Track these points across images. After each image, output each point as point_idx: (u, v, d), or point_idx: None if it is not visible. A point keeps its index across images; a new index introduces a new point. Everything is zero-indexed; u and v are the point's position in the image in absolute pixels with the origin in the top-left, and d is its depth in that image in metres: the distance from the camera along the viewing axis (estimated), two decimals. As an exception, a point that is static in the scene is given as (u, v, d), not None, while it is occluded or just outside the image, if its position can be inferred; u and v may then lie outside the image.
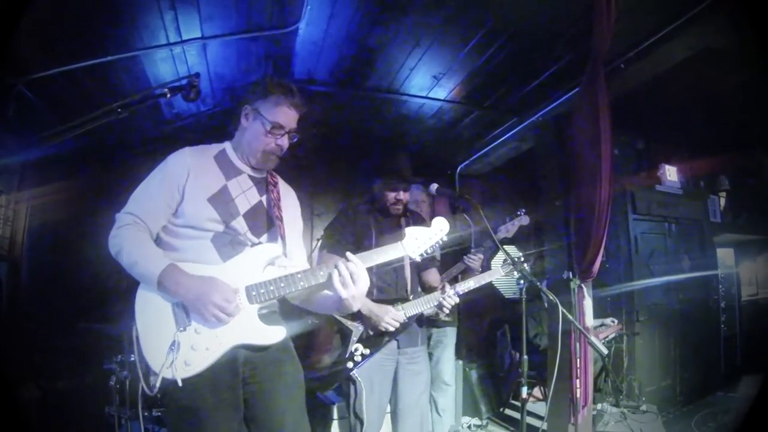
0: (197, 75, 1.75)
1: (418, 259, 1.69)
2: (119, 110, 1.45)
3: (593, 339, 2.23)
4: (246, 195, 1.63)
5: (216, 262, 1.48)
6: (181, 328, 1.40)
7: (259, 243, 1.58)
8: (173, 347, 1.36)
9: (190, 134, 3.65)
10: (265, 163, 1.68)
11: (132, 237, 1.46)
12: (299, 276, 1.47)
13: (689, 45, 2.83)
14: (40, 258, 3.12)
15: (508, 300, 4.82)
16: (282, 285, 1.46)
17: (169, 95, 1.68)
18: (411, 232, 1.68)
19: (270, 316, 1.56)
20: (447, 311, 2.30)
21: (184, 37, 2.74)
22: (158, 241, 1.54)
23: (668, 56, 2.93)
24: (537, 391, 3.91)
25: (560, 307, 2.12)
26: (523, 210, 2.95)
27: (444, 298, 2.24)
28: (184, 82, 1.68)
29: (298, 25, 2.77)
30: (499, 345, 4.27)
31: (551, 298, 2.13)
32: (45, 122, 2.89)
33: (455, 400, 3.50)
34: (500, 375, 4.03)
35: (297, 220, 1.82)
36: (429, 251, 1.69)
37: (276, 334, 1.49)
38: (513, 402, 4.03)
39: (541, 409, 3.73)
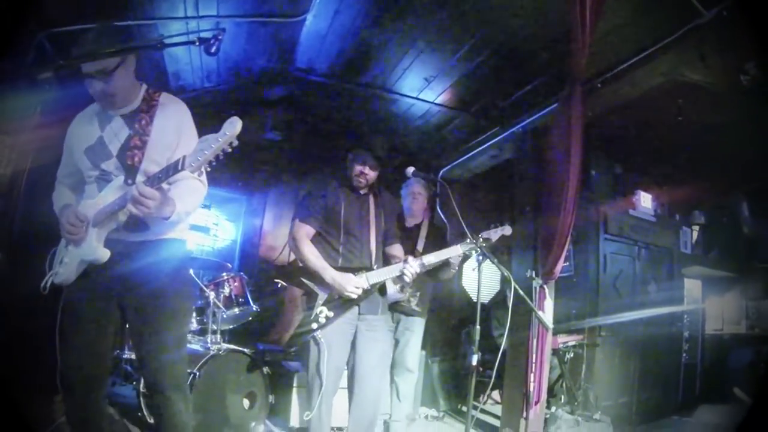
0: (223, 30, 1.97)
1: (199, 170, 1.54)
2: (158, 44, 1.70)
3: (540, 314, 2.38)
4: (118, 136, 1.82)
5: (95, 197, 1.82)
6: (63, 247, 1.86)
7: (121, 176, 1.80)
8: (58, 261, 1.86)
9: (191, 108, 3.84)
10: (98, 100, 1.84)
11: (54, 194, 1.96)
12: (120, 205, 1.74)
13: (662, 71, 3.07)
14: (35, 202, 3.27)
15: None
16: (108, 210, 1.74)
17: (197, 44, 1.88)
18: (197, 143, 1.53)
19: (108, 238, 1.80)
20: (408, 280, 2.41)
21: (201, 13, 2.94)
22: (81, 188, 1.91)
23: (643, 80, 3.16)
24: (496, 395, 4.00)
25: (512, 282, 2.30)
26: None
27: (406, 268, 2.35)
28: (210, 33, 1.91)
29: (306, 15, 3.00)
30: (464, 344, 4.39)
31: (505, 273, 2.31)
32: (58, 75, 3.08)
33: (416, 388, 3.58)
34: (462, 373, 4.12)
35: (172, 133, 1.85)
36: (213, 162, 1.52)
37: (104, 254, 1.77)
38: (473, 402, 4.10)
39: (499, 410, 3.81)
